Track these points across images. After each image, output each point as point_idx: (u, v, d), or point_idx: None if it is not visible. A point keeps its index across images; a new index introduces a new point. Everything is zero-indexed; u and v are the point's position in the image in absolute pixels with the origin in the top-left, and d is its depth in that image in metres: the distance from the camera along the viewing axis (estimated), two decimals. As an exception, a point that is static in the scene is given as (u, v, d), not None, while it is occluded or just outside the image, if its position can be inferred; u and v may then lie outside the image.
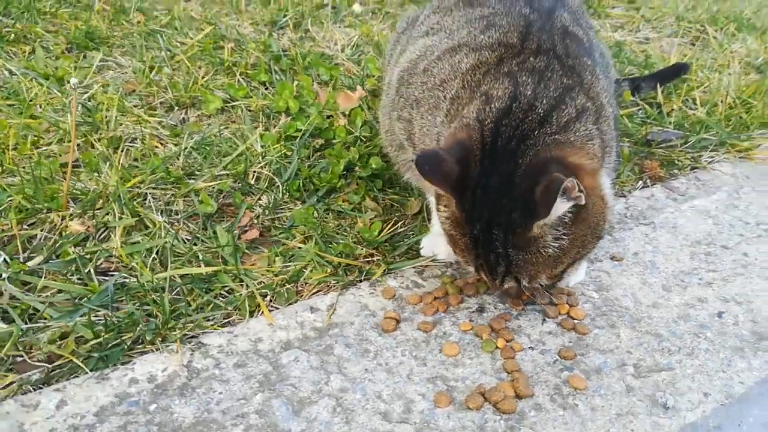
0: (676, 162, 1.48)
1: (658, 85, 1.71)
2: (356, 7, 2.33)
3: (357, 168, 1.33)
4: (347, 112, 1.56)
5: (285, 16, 2.14)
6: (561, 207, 0.76)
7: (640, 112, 1.69)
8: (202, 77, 1.67)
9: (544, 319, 0.93)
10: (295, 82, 1.61)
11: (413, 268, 1.05)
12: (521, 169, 0.79)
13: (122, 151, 1.31)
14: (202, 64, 1.75)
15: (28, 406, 0.76)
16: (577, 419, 0.76)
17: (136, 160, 1.32)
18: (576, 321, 0.92)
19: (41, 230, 1.11)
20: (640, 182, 1.39)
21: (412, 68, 1.08)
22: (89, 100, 1.49)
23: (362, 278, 1.04)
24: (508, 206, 0.78)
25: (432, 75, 1.01)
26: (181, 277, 1.01)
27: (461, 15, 1.09)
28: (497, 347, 0.87)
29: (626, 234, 1.15)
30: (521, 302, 0.95)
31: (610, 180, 0.90)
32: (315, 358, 0.84)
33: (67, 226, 1.11)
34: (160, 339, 0.88)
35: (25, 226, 1.11)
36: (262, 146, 1.37)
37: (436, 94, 0.98)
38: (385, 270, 1.03)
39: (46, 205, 1.14)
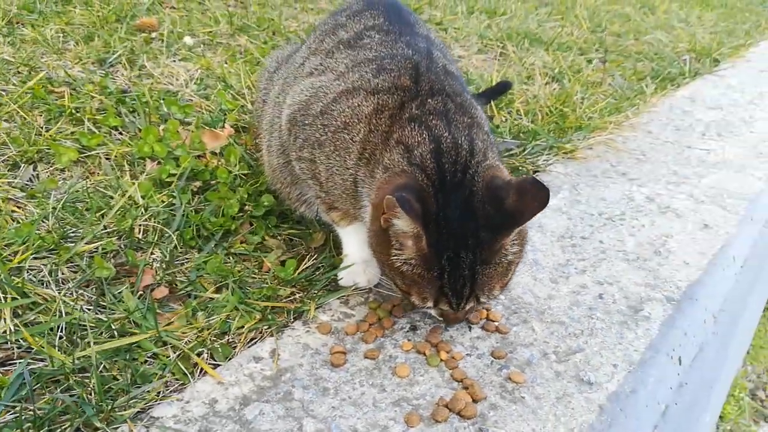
0: (520, 168, 1.69)
1: (491, 102, 1.93)
2: (187, 40, 2.26)
3: (248, 207, 1.33)
4: (217, 151, 1.53)
5: (114, 53, 2.01)
6: (514, 235, 0.90)
7: (481, 126, 1.90)
8: (43, 128, 1.51)
9: (469, 327, 1.04)
10: (161, 126, 1.53)
11: (338, 299, 1.09)
12: (478, 195, 0.89)
13: (-25, 221, 1.16)
14: (39, 112, 1.58)
15: None
16: (528, 409, 0.87)
17: (-9, 229, 1.17)
18: (496, 323, 1.04)
19: None
20: (499, 189, 1.58)
21: (305, 109, 1.12)
22: None
23: (292, 318, 1.05)
24: (474, 229, 0.87)
25: (333, 117, 1.06)
26: (98, 352, 0.93)
27: (345, 57, 1.16)
28: (441, 360, 0.95)
29: (507, 238, 1.31)
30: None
31: None
32: (279, 407, 0.85)
33: (-65, 318, 0.96)
34: (105, 423, 0.81)
35: None
36: (142, 197, 1.29)
37: (341, 136, 1.03)
38: (316, 306, 1.06)
39: None
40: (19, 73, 1.79)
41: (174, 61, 2.09)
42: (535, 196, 0.86)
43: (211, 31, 2.39)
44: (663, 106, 2.29)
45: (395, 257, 0.91)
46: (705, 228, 1.39)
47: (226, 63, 2.13)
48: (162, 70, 1.98)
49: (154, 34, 2.25)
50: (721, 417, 2.61)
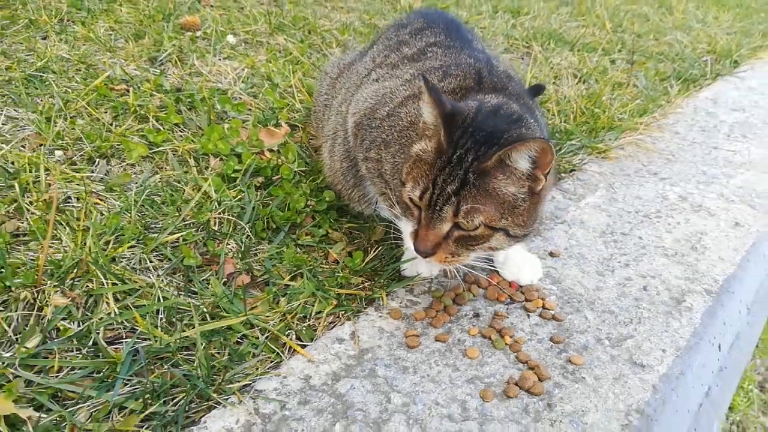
0: (558, 167, 1.78)
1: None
2: (230, 38, 2.35)
3: (310, 202, 1.42)
4: (274, 148, 1.63)
5: (164, 51, 2.10)
6: (522, 158, 0.93)
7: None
8: (112, 124, 1.61)
9: (528, 314, 1.13)
10: (226, 125, 1.63)
11: (404, 288, 1.19)
12: (501, 134, 0.97)
13: (61, 212, 1.26)
14: (104, 109, 1.68)
15: (123, 485, 0.77)
16: (589, 388, 0.97)
17: (78, 219, 1.27)
18: (552, 311, 1.13)
19: (15, 310, 1.04)
20: (539, 187, 1.67)
21: (371, 114, 1.22)
22: (2, 161, 1.38)
23: (364, 305, 1.15)
24: (486, 144, 0.95)
25: (399, 119, 1.15)
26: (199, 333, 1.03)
27: (410, 68, 1.25)
28: (506, 344, 1.05)
29: (552, 233, 1.40)
30: (443, 257, 1.00)
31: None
32: (366, 383, 0.95)
33: (47, 301, 1.06)
34: (216, 394, 0.91)
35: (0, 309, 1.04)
36: (215, 191, 1.39)
37: (407, 134, 1.13)
38: (386, 294, 1.15)
39: (15, 281, 1.07)
40: (78, 71, 1.89)
41: (220, 59, 2.18)
42: (510, 140, 0.96)
43: (250, 30, 2.48)
44: (687, 108, 2.37)
45: (417, 146, 1.01)
46: (736, 226, 1.49)
47: (269, 62, 2.21)
48: (210, 69, 2.07)
49: (198, 33, 2.34)
50: (730, 408, 2.70)
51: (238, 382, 0.94)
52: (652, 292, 1.21)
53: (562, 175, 1.74)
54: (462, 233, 0.97)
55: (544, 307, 1.15)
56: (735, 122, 2.24)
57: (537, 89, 2.05)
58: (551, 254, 1.32)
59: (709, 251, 1.36)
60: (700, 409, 1.00)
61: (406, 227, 1.05)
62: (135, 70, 1.97)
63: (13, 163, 1.37)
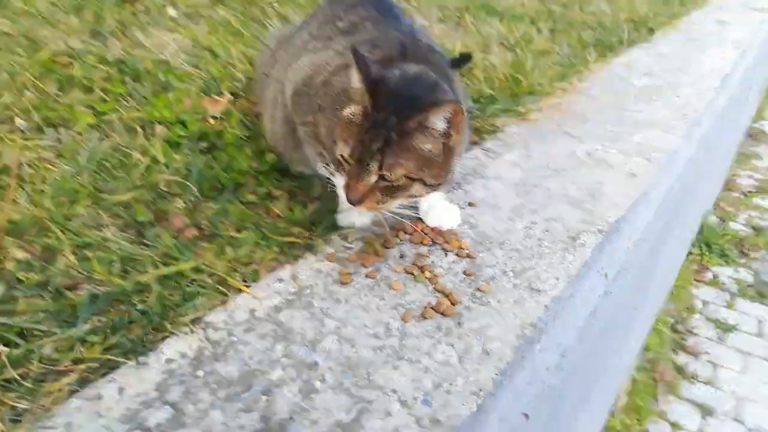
0: (481, 128, 1.96)
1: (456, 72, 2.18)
2: (171, 11, 2.42)
3: (253, 164, 1.55)
4: (217, 116, 1.74)
5: (105, 24, 2.16)
6: (439, 120, 1.11)
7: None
8: (59, 95, 1.69)
9: (446, 254, 1.30)
10: (170, 94, 1.72)
11: (339, 236, 1.34)
12: (419, 98, 1.14)
13: (13, 178, 1.34)
14: (50, 81, 1.75)
15: (92, 398, 0.90)
16: (493, 310, 1.15)
17: (33, 183, 1.36)
18: (467, 250, 1.31)
19: (-22, 264, 1.14)
20: (463, 147, 1.84)
21: (308, 82, 1.35)
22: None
23: (304, 251, 1.29)
24: (407, 108, 1.11)
25: (333, 86, 1.29)
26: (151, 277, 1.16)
27: (343, 40, 1.39)
28: (426, 277, 1.22)
29: (472, 187, 1.57)
30: (371, 205, 1.15)
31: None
32: (305, 312, 1.10)
33: (7, 256, 1.16)
34: (170, 325, 1.05)
35: (-38, 263, 1.13)
36: (163, 155, 1.50)
37: (340, 99, 1.27)
38: (323, 241, 1.30)
39: (-23, 239, 1.16)
40: (20, 45, 1.93)
41: (161, 31, 2.25)
42: (428, 103, 1.12)
43: (191, 3, 2.54)
44: (603, 73, 2.58)
45: (346, 111, 1.16)
46: (632, 176, 1.69)
47: (210, 33, 2.30)
48: (152, 41, 2.14)
49: (139, 6, 2.39)
50: (645, 348, 3.00)
51: (190, 315, 1.08)
52: (554, 232, 1.40)
53: (485, 136, 1.91)
54: (386, 184, 1.14)
55: (460, 248, 1.32)
56: (644, 86, 2.46)
57: (465, 58, 2.21)
58: (470, 204, 1.49)
59: (605, 198, 1.56)
60: (585, 325, 1.20)
61: (340, 181, 1.19)
62: (77, 43, 2.03)
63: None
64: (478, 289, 1.20)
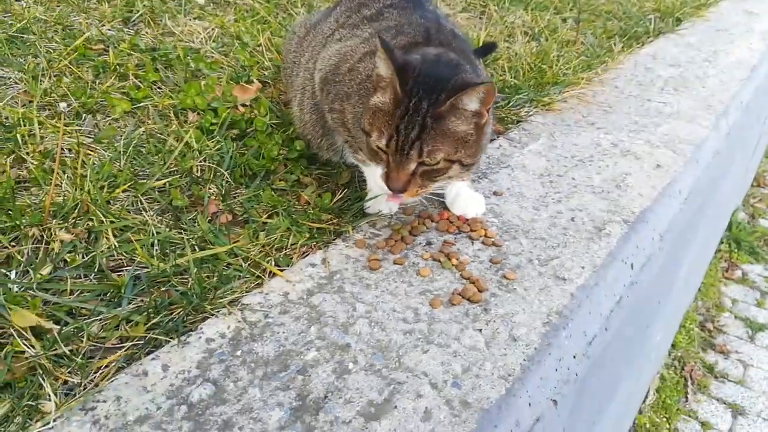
0: (506, 118, 1.97)
1: (480, 60, 2.19)
2: (199, -1, 2.45)
3: (282, 151, 1.58)
4: (247, 103, 1.77)
5: (136, 12, 2.20)
6: (472, 101, 1.13)
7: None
8: (95, 82, 1.73)
9: (472, 242, 1.33)
10: (202, 82, 1.76)
11: (367, 223, 1.37)
12: (447, 80, 1.16)
13: (58, 162, 1.39)
14: (86, 68, 1.79)
15: (138, 374, 0.94)
16: (519, 296, 1.17)
17: (74, 168, 1.41)
18: (492, 239, 1.33)
19: (25, 244, 1.19)
20: (488, 137, 1.86)
21: (335, 70, 1.38)
22: (-2, 116, 1.50)
23: (333, 237, 1.33)
24: (438, 91, 1.14)
25: (358, 72, 1.32)
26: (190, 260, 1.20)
27: (369, 27, 1.41)
28: (453, 265, 1.25)
29: (497, 176, 1.60)
30: (414, 191, 1.19)
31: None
32: (336, 296, 1.14)
33: (54, 237, 1.21)
34: (209, 306, 1.09)
35: (12, 244, 1.19)
36: (196, 142, 1.54)
37: (366, 86, 1.29)
38: (352, 228, 1.33)
39: (24, 221, 1.21)
40: (56, 32, 1.98)
41: (190, 19, 2.28)
42: (459, 86, 1.14)
43: (218, -10, 2.57)
44: (629, 63, 2.57)
45: (377, 99, 1.17)
46: (658, 167, 1.70)
47: (237, 22, 2.33)
48: (182, 29, 2.18)
49: (169, -6, 2.43)
50: (673, 345, 3.00)
51: (227, 297, 1.12)
52: (578, 222, 1.42)
53: (509, 126, 1.93)
54: (426, 169, 1.17)
55: (486, 236, 1.34)
56: (670, 77, 2.45)
57: (489, 47, 2.23)
58: (495, 193, 1.52)
59: (631, 189, 1.57)
60: (610, 314, 1.22)
61: (375, 171, 1.22)
62: (110, 30, 2.07)
63: (7, 118, 1.50)
64: (504, 277, 1.22)
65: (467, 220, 1.39)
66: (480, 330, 1.08)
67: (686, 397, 2.75)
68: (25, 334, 0.98)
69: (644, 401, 2.67)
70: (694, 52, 2.80)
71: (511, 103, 2.03)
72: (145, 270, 1.18)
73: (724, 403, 2.65)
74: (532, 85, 2.16)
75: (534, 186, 1.57)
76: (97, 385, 0.94)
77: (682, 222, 1.68)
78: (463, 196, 1.41)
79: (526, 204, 1.48)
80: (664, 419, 2.60)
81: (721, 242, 3.55)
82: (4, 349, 0.96)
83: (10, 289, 1.06)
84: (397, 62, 1.14)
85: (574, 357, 1.09)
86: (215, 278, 1.17)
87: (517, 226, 1.40)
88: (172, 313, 1.08)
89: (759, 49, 2.93)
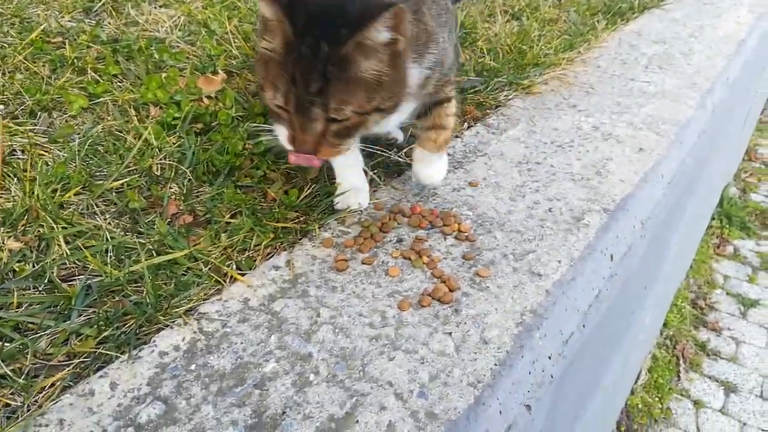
0: (484, 103, 1.90)
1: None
2: (165, -15, 2.35)
3: (248, 146, 1.51)
4: (212, 95, 1.70)
5: (98, 1, 2.11)
6: (380, 34, 0.93)
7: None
8: (51, 77, 1.65)
9: (445, 237, 1.27)
10: (164, 74, 1.68)
11: (336, 220, 1.31)
12: (349, 12, 0.95)
13: (7, 165, 1.32)
14: (42, 63, 1.71)
15: (85, 394, 0.89)
16: (492, 295, 1.12)
17: (24, 170, 1.34)
18: (466, 233, 1.28)
19: (-29, 255, 1.13)
20: (465, 124, 1.79)
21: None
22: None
23: (300, 237, 1.27)
24: (337, 27, 0.93)
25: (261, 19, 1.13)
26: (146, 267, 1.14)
27: None
28: (423, 263, 1.19)
29: (473, 165, 1.53)
30: (328, 152, 1.04)
31: (420, 74, 1.11)
32: (299, 302, 1.08)
33: (2, 246, 1.15)
34: (163, 317, 1.03)
35: (-45, 255, 1.12)
36: (155, 138, 1.47)
37: (261, 32, 1.08)
38: (319, 226, 1.27)
39: (-32, 230, 1.15)
40: (12, 24, 1.89)
41: (155, 7, 2.19)
42: (368, 15, 0.92)
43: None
44: (612, 41, 2.50)
45: (264, 49, 0.99)
46: (640, 151, 1.64)
47: (205, 8, 2.24)
48: (146, 17, 2.09)
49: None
50: (665, 324, 2.97)
51: (183, 306, 1.06)
52: (556, 212, 1.36)
53: (488, 111, 1.86)
54: (337, 126, 1.00)
55: (459, 231, 1.29)
56: (654, 54, 2.38)
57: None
58: (470, 184, 1.46)
59: (612, 175, 1.51)
60: (589, 309, 1.17)
61: (282, 132, 1.05)
62: (70, 21, 1.99)
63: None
64: (477, 274, 1.17)
65: (440, 214, 1.33)
66: (450, 333, 1.03)
67: (678, 376, 2.73)
68: (-37, 354, 0.93)
69: (636, 381, 2.65)
70: (679, 28, 2.73)
71: (489, 87, 1.96)
72: (98, 279, 1.12)
73: (717, 381, 2.63)
74: (512, 68, 2.09)
75: (511, 175, 1.51)
76: (40, 407, 0.88)
77: (667, 206, 1.62)
78: (432, 159, 1.34)
79: (502, 195, 1.42)
80: (657, 399, 2.59)
81: (713, 218, 3.50)
82: (-60, 372, 0.90)
83: (-51, 305, 1.00)
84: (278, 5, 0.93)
85: (550, 358, 1.04)
86: (172, 285, 1.11)
87: (493, 218, 1.34)
88: (124, 325, 1.03)
89: (747, 22, 2.86)
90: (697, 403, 2.55)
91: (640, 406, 2.55)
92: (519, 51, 2.19)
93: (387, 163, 1.53)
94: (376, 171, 1.47)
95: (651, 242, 1.55)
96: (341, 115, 0.98)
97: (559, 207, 1.38)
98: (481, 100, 1.91)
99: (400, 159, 1.54)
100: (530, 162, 1.57)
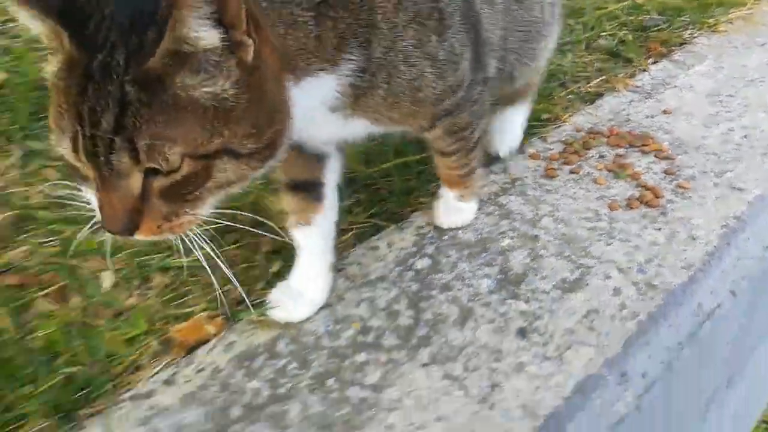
0: (669, 40, 1.96)
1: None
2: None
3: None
4: None
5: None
6: (202, 28, 0.57)
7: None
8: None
9: (644, 155, 1.41)
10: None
11: (538, 138, 1.48)
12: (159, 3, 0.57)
13: None
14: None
15: (371, 248, 1.15)
16: (695, 204, 1.25)
17: None
18: (664, 153, 1.40)
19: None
20: (650, 59, 1.87)
21: None
22: None
23: (510, 148, 1.46)
24: (140, 29, 0.57)
25: None
26: None
27: None
28: (628, 174, 1.34)
29: (663, 96, 1.64)
30: (155, 226, 0.63)
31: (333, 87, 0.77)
32: (519, 198, 1.27)
33: None
34: (410, 204, 1.27)
35: None
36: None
37: None
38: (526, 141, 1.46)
39: None
40: None
41: None
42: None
43: None
44: (802, -18, 2.41)
45: (48, 73, 0.62)
46: (837, 87, 1.66)
47: None
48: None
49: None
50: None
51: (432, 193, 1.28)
52: (752, 139, 1.44)
53: (673, 48, 1.92)
54: (165, 181, 0.61)
55: (659, 150, 1.41)
56: None
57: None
58: (664, 112, 1.57)
59: (808, 107, 1.56)
60: (787, 225, 1.27)
61: (93, 200, 0.64)
62: None
63: None
64: (679, 186, 1.30)
65: (639, 135, 1.46)
66: (659, 229, 1.18)
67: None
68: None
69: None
70: None
71: (673, 26, 2.01)
72: (355, 174, 1.37)
73: None
74: (695, 7, 2.12)
75: (702, 105, 1.59)
76: (341, 253, 1.14)
77: None
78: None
79: (696, 122, 1.52)
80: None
81: None
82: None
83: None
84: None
85: (752, 258, 1.16)
86: (414, 180, 1.35)
87: (688, 142, 1.45)
88: (384, 206, 1.28)
89: None
90: None
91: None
92: (703, -9, 2.19)
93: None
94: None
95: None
96: (165, 162, 0.59)
97: (754, 134, 1.46)
98: (665, 38, 1.97)
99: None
100: (721, 95, 1.64)
